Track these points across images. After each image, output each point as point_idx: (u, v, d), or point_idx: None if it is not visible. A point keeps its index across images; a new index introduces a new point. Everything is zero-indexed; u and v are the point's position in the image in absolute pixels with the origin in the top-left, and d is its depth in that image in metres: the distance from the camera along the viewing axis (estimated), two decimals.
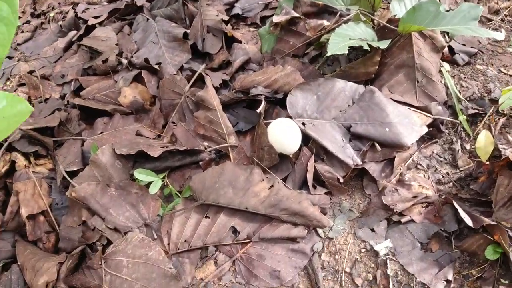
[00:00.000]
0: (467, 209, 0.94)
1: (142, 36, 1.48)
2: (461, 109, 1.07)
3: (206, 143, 1.10)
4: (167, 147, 1.06)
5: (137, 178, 1.00)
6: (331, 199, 0.99)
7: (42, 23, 1.99)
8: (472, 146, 1.04)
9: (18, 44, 1.82)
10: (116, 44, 1.49)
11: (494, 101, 1.08)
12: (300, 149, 0.99)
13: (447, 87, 1.10)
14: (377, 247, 0.91)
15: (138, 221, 0.99)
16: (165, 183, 1.04)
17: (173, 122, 1.18)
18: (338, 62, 1.18)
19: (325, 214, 0.97)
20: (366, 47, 0.95)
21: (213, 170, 0.98)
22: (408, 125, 0.97)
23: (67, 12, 1.97)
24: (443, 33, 1.17)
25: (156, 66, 1.31)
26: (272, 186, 0.95)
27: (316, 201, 0.96)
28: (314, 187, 0.98)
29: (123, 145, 1.08)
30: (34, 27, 1.92)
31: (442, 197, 0.96)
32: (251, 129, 1.11)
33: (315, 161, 0.99)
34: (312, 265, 0.90)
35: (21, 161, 1.07)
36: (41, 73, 1.48)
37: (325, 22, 1.11)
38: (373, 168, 0.98)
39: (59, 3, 2.16)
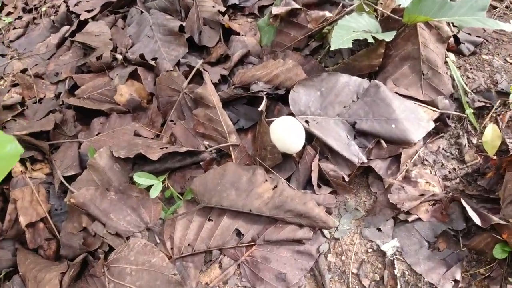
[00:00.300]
0: (475, 206, 0.89)
1: (137, 30, 1.39)
2: (467, 102, 1.01)
3: (206, 142, 1.03)
4: (166, 147, 0.99)
5: (136, 182, 0.94)
6: (336, 198, 0.94)
7: (34, 18, 1.88)
8: (479, 140, 0.98)
9: (11, 41, 1.72)
10: (110, 39, 1.40)
11: (501, 93, 1.01)
12: (304, 147, 0.93)
13: (453, 79, 1.03)
14: (384, 247, 0.87)
15: (140, 225, 0.93)
16: (166, 185, 0.98)
17: (171, 121, 1.12)
18: (340, 54, 1.10)
19: (330, 213, 0.92)
20: (371, 40, 0.88)
21: (214, 171, 0.92)
22: (415, 121, 0.91)
23: (59, 6, 1.85)
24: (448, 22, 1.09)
25: (152, 62, 1.23)
26: (276, 186, 0.90)
27: (321, 201, 0.91)
28: (319, 187, 0.92)
29: (121, 147, 1.02)
30: (26, 22, 1.82)
31: (449, 194, 0.91)
32: (252, 127, 1.05)
33: (319, 160, 0.93)
34: (319, 266, 0.86)
35: (17, 167, 1.00)
36: (35, 72, 1.40)
37: (327, 13, 1.03)
38: (379, 166, 0.92)
39: None
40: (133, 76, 1.22)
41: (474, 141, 0.98)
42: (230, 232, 0.89)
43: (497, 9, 1.24)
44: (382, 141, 0.91)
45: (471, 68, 1.07)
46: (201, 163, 1.00)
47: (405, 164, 0.93)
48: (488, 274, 0.82)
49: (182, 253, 0.89)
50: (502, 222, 0.79)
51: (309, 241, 0.88)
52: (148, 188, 0.94)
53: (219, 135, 1.02)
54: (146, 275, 0.83)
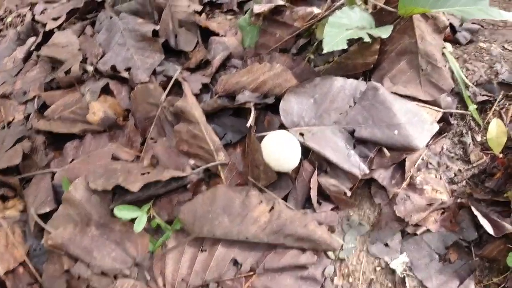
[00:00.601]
0: (484, 210, 0.79)
1: (107, 36, 1.22)
2: (469, 96, 0.89)
3: (192, 162, 0.90)
4: (148, 172, 0.85)
5: (118, 216, 0.80)
6: (338, 213, 0.82)
7: (0, 30, 1.66)
8: (484, 137, 0.87)
9: None
10: (79, 50, 1.22)
11: (503, 85, 0.90)
12: (300, 162, 0.80)
13: (452, 72, 0.91)
14: (392, 264, 0.77)
15: (127, 261, 0.81)
16: (151, 215, 0.84)
17: (151, 138, 0.97)
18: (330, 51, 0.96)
19: (333, 231, 0.81)
20: (367, 39, 0.74)
21: (203, 196, 0.80)
22: (418, 124, 0.79)
23: (25, 15, 1.64)
24: None
25: (126, 73, 1.07)
26: (273, 208, 0.78)
27: (322, 219, 0.80)
28: (319, 203, 0.81)
29: (98, 174, 0.87)
30: None
31: (458, 200, 0.81)
32: (241, 140, 0.92)
33: (318, 174, 0.81)
34: None
35: None
36: (1, 92, 1.22)
37: (315, 10, 0.88)
38: (383, 176, 0.81)
39: (16, 5, 1.81)
40: (106, 90, 1.06)
41: (479, 138, 0.88)
42: (227, 263, 0.77)
43: None
44: (385, 149, 0.79)
45: (469, 59, 0.95)
46: (187, 186, 0.87)
47: (410, 170, 0.82)
48: (503, 285, 0.73)
49: None
50: None
51: (313, 265, 0.77)
52: (133, 219, 0.81)
53: (205, 153, 0.88)
54: None
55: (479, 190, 0.84)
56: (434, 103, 0.84)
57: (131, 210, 0.81)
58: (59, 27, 1.38)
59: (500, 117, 0.88)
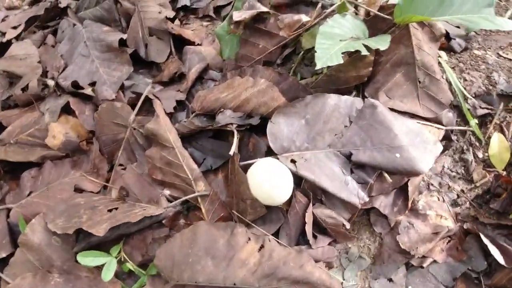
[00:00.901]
0: (491, 234, 0.70)
1: (69, 47, 1.04)
2: (468, 109, 0.79)
3: (167, 192, 0.75)
4: (116, 208, 0.70)
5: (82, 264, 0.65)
6: (335, 246, 0.70)
7: None
8: (486, 153, 0.77)
9: None
10: (39, 62, 1.03)
11: (502, 96, 0.81)
12: (292, 193, 0.67)
13: (449, 83, 0.81)
14: None
15: None
16: (122, 258, 0.69)
17: (120, 165, 0.82)
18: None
19: (331, 268, 0.69)
20: (365, 52, 0.62)
21: (182, 237, 0.66)
22: (421, 145, 0.68)
23: None
24: None
25: (90, 89, 0.90)
26: (263, 246, 0.65)
27: (319, 256, 0.67)
28: (315, 237, 0.68)
29: (58, 213, 0.71)
30: None
31: (464, 226, 0.70)
32: (223, 165, 0.77)
33: (312, 204, 0.68)
34: None
35: None
36: None
37: (303, 17, 0.74)
38: (384, 204, 0.69)
39: None
40: (68, 109, 0.89)
41: (480, 155, 0.78)
42: None
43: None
44: (386, 174, 0.67)
45: (466, 68, 0.85)
46: (163, 221, 0.72)
47: (413, 197, 0.71)
48: None
49: None
50: None
51: None
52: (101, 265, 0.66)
53: (182, 182, 0.74)
54: None
55: (483, 212, 0.74)
56: (436, 120, 0.73)
57: (97, 256, 0.66)
58: (17, 37, 1.18)
59: (501, 130, 0.79)
